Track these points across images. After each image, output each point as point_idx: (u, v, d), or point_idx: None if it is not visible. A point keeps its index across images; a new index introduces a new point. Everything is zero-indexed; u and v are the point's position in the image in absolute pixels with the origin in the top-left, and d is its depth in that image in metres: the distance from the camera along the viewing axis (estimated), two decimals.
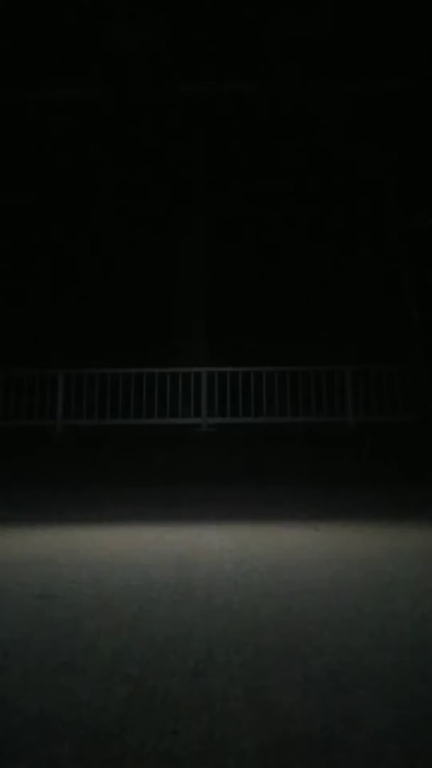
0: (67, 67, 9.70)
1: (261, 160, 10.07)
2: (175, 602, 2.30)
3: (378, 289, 9.60)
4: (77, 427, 8.45)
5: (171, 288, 9.94)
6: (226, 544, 3.64)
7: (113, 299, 9.97)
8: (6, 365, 8.70)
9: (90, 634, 1.92)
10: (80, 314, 9.87)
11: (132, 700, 1.43)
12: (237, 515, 5.05)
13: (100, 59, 9.67)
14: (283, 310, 9.68)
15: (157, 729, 1.28)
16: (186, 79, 9.79)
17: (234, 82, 9.84)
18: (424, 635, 1.90)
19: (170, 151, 10.11)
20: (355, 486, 6.98)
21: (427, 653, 1.74)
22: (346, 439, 8.22)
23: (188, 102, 10.00)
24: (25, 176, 10.06)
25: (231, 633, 1.92)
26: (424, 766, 1.14)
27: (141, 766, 1.14)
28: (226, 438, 8.22)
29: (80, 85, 9.87)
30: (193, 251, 10.02)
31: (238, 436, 8.22)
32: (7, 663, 1.68)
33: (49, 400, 8.51)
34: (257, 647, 1.78)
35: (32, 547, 3.63)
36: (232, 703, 1.41)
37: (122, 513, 5.27)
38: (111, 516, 5.07)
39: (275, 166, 10.00)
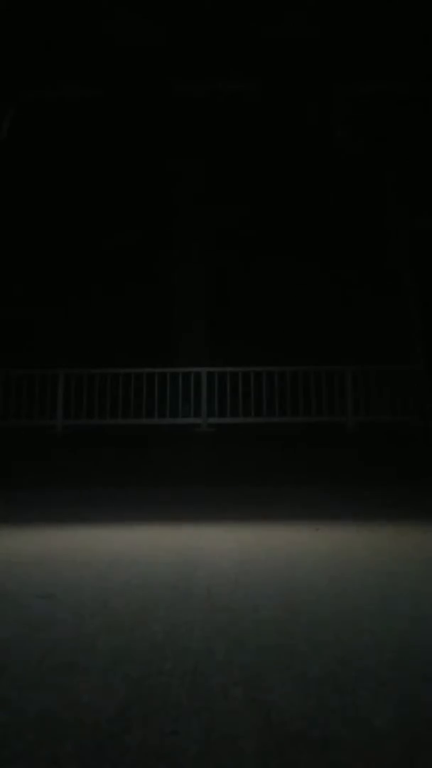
0: (65, 68, 9.69)
1: (260, 160, 10.06)
2: (176, 602, 2.29)
3: (379, 289, 9.60)
4: (77, 427, 8.44)
5: (171, 288, 9.94)
6: (227, 544, 3.64)
7: (114, 299, 9.97)
8: (6, 365, 8.68)
9: (90, 634, 1.92)
10: (81, 314, 9.86)
11: (132, 700, 1.43)
12: (237, 515, 5.05)
13: (99, 59, 9.66)
14: (283, 309, 9.67)
15: (157, 729, 1.28)
16: (185, 78, 9.78)
17: (234, 82, 9.83)
18: (424, 635, 1.90)
19: (170, 148, 10.10)
20: (354, 486, 6.98)
21: (427, 653, 1.74)
22: (346, 439, 8.21)
23: (187, 102, 9.99)
24: (26, 177, 10.05)
25: (231, 633, 1.92)
26: (424, 765, 1.14)
27: (141, 766, 1.14)
28: (226, 438, 8.21)
29: (79, 85, 9.86)
30: (193, 251, 10.01)
31: (238, 436, 8.21)
32: (8, 663, 1.68)
33: (49, 400, 8.50)
34: (257, 647, 1.78)
35: (33, 546, 3.63)
36: (232, 703, 1.41)
37: (122, 513, 5.27)
38: (111, 516, 5.07)
39: (274, 166, 10.00)
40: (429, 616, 2.12)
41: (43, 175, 10.11)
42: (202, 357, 9.09)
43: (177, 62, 9.67)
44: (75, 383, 8.54)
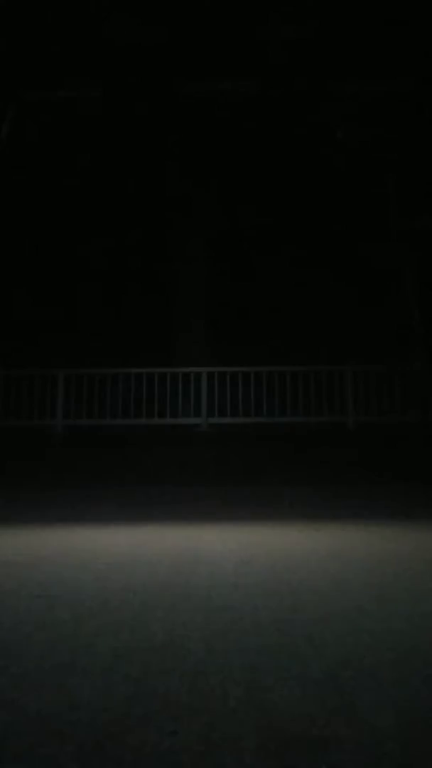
0: (65, 68, 9.69)
1: (260, 160, 10.06)
2: (175, 602, 2.29)
3: (379, 289, 9.59)
4: (77, 427, 8.43)
5: (171, 288, 9.93)
6: (227, 544, 3.64)
7: (114, 300, 9.97)
8: (6, 365, 8.68)
9: (90, 634, 1.92)
10: (81, 314, 9.86)
11: (132, 700, 1.43)
12: (237, 515, 5.05)
13: (99, 60, 9.66)
14: (283, 309, 9.67)
15: (157, 729, 1.27)
16: (185, 79, 9.78)
17: (234, 82, 9.83)
18: (424, 635, 1.90)
19: (169, 149, 10.10)
20: (354, 486, 6.98)
21: (428, 653, 1.74)
22: (347, 438, 8.21)
23: (187, 102, 9.99)
24: (27, 177, 10.05)
25: (231, 633, 1.92)
26: (425, 766, 1.14)
27: (141, 766, 1.14)
28: (226, 438, 8.22)
29: (78, 86, 9.86)
30: (193, 252, 10.01)
31: (238, 436, 8.21)
32: (7, 663, 1.68)
33: (49, 401, 8.50)
34: (257, 647, 1.78)
35: (32, 546, 3.63)
36: (232, 703, 1.41)
37: (122, 513, 5.27)
38: (111, 516, 5.07)
39: (274, 165, 9.99)
40: (428, 615, 2.12)
41: (43, 175, 10.10)
42: (202, 357, 9.09)
43: (177, 63, 9.66)
44: (75, 383, 8.53)
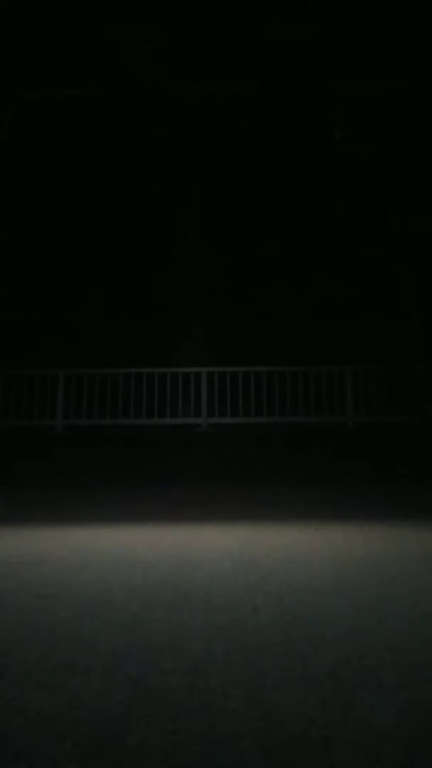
0: (65, 68, 9.70)
1: (259, 161, 10.06)
2: (176, 602, 2.30)
3: (379, 289, 9.60)
4: (77, 427, 8.44)
5: (171, 288, 9.94)
6: (226, 544, 3.64)
7: (114, 299, 9.97)
8: (6, 365, 8.69)
9: (90, 634, 1.92)
10: (81, 314, 9.87)
11: (132, 700, 1.43)
12: (237, 515, 5.05)
13: (101, 59, 9.67)
14: (284, 309, 9.67)
15: (157, 729, 1.28)
16: (185, 80, 9.78)
17: (234, 82, 9.83)
18: (423, 634, 1.90)
19: (170, 150, 10.10)
20: (354, 486, 6.98)
21: (428, 653, 1.74)
22: (346, 439, 8.21)
23: (188, 102, 9.99)
24: (30, 176, 10.05)
25: (231, 633, 1.92)
26: (424, 766, 1.14)
27: (141, 766, 1.14)
28: (226, 438, 8.22)
29: (80, 85, 9.87)
30: (193, 252, 10.02)
31: (238, 436, 8.22)
32: (8, 663, 1.68)
33: (49, 400, 8.50)
34: (257, 647, 1.79)
35: (33, 546, 3.63)
36: (232, 703, 1.41)
37: (122, 513, 5.27)
38: (111, 516, 5.07)
39: (273, 166, 10.00)
40: (428, 615, 2.12)
41: (43, 175, 10.11)
42: (202, 356, 9.10)
43: (177, 63, 9.67)
44: (75, 383, 8.54)
